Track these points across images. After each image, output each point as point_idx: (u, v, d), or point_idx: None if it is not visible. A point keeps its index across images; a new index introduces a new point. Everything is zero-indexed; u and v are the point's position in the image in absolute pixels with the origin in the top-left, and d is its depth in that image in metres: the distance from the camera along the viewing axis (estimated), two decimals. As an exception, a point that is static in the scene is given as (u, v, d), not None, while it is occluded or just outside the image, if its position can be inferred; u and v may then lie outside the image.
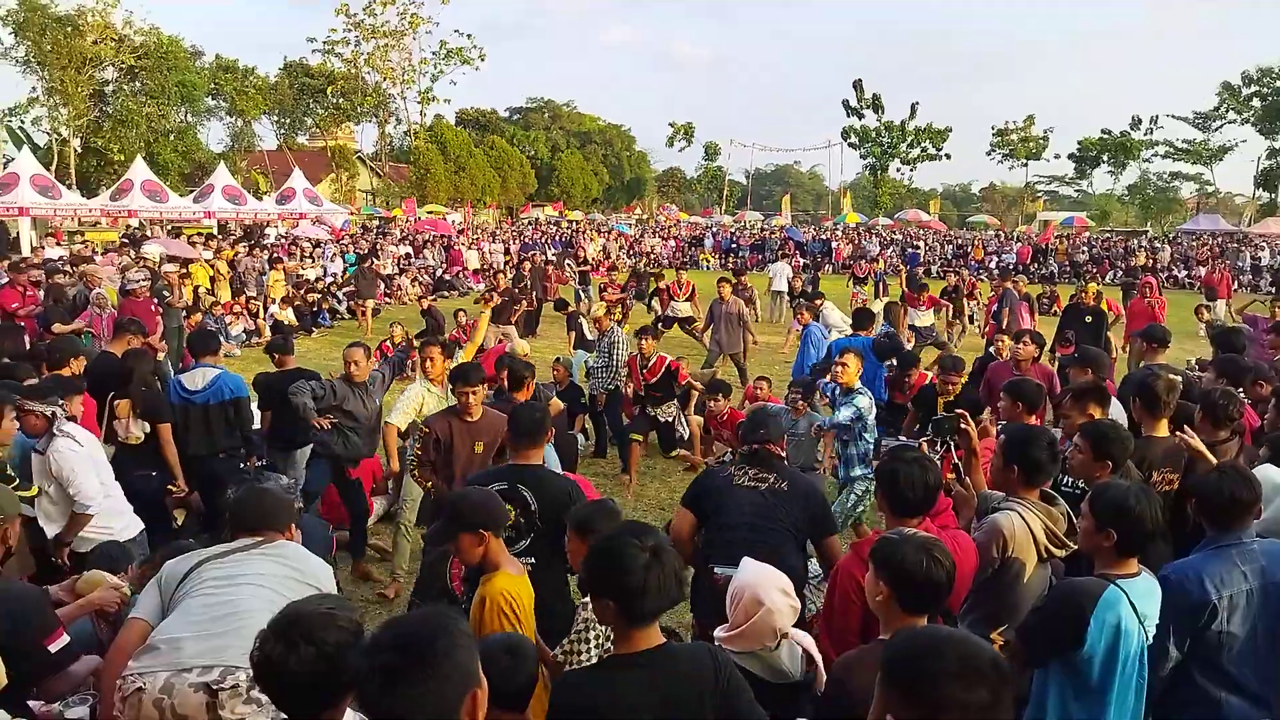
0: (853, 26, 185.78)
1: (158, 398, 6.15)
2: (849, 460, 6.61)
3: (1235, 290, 22.54)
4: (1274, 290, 27.34)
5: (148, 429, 5.84)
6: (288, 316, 17.90)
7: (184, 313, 13.08)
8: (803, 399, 7.76)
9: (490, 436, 5.27)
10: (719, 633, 2.90)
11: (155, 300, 11.39)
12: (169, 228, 27.42)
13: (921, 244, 38.89)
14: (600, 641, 3.17)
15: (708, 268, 36.98)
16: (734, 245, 40.78)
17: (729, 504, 3.85)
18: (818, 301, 12.80)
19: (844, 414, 6.46)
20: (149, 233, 25.32)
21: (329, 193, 45.89)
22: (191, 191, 31.06)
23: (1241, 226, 44.10)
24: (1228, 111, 55.51)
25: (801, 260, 33.00)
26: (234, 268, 19.37)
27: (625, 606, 2.31)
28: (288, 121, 53.82)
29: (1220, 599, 2.96)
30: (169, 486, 5.88)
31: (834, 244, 39.57)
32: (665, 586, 2.31)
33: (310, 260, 23.82)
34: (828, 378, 7.29)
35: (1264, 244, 37.21)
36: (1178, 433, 4.22)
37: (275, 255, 21.69)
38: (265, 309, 17.87)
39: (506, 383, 5.90)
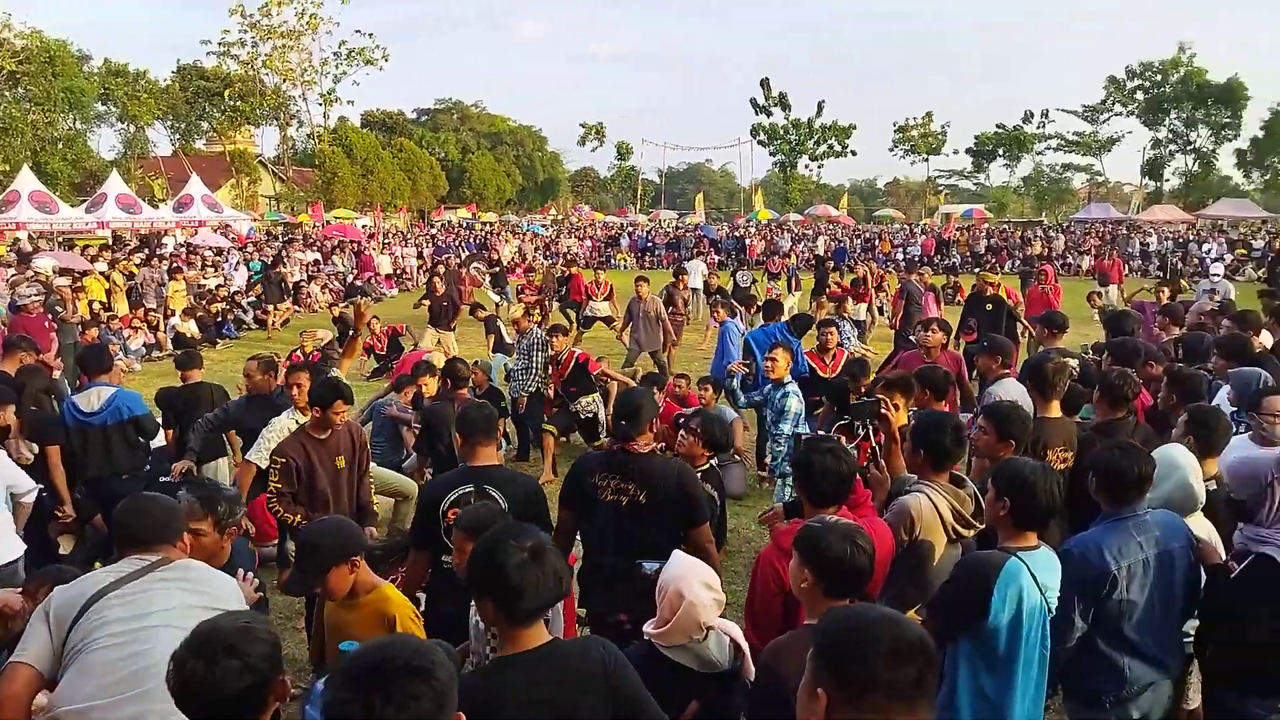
0: (760, 24, 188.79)
1: (45, 418, 5.88)
2: (777, 454, 6.78)
3: (1126, 275, 23.66)
4: (1162, 274, 28.87)
5: (36, 450, 5.58)
6: (190, 328, 17.27)
7: (79, 328, 12.51)
8: (713, 393, 7.92)
9: (349, 451, 5.08)
10: (648, 627, 2.94)
11: (49, 316, 10.88)
12: (60, 239, 26.13)
13: (824, 238, 39.65)
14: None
15: (624, 267, 37.11)
16: (650, 244, 41.03)
17: (595, 522, 3.90)
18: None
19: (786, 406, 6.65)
20: (39, 246, 24.07)
21: (229, 199, 44.36)
22: (83, 201, 29.63)
23: (1130, 214, 46.39)
24: (1114, 104, 58.44)
25: (716, 257, 33.44)
26: (131, 279, 18.60)
27: (505, 606, 2.33)
28: (183, 126, 51.86)
29: (1119, 569, 3.12)
30: (55, 511, 5.62)
31: (747, 241, 40.15)
32: (544, 586, 2.33)
33: (212, 269, 23.02)
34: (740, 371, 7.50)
35: (1151, 230, 39.30)
36: None
37: (175, 265, 20.87)
38: (166, 321, 17.20)
39: (449, 383, 5.87)
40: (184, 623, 2.48)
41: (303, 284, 24.11)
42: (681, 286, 15.10)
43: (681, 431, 4.61)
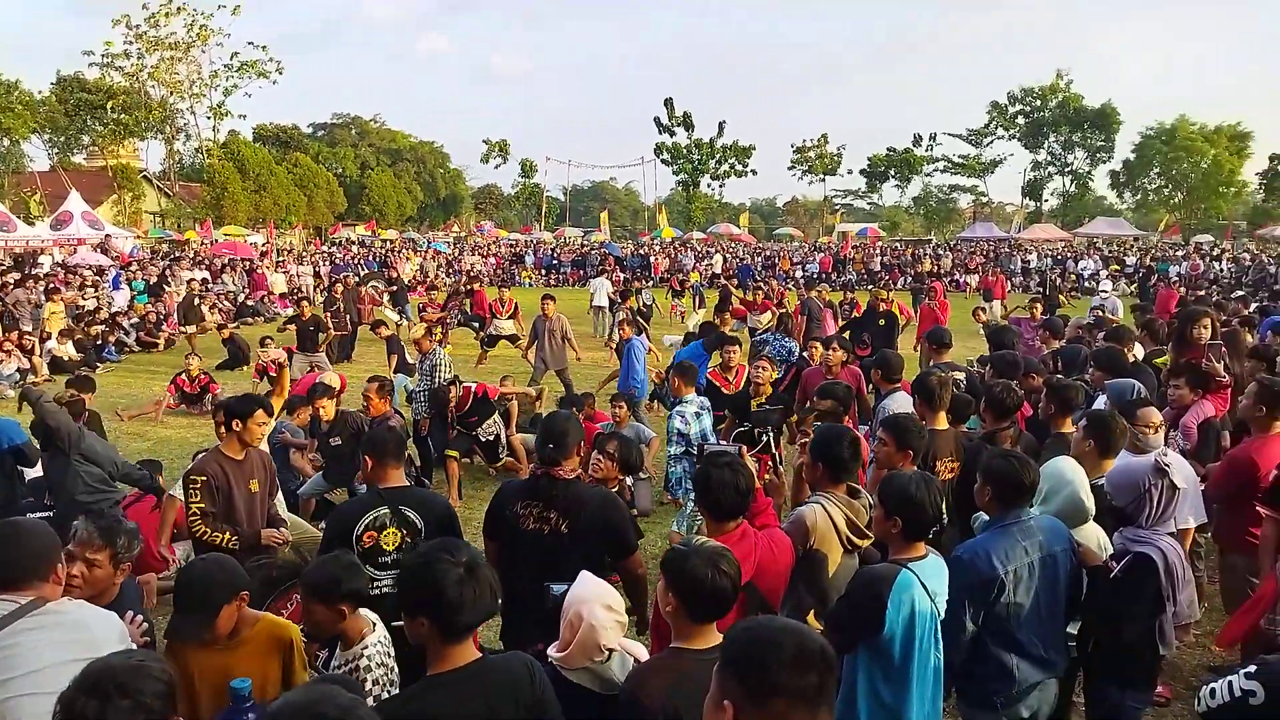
0: (663, 45, 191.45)
1: None
2: (670, 475, 6.86)
3: (1009, 291, 24.85)
4: (1041, 290, 30.41)
5: None
6: (68, 351, 16.37)
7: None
8: (626, 409, 7.95)
9: (262, 473, 4.98)
10: (551, 650, 2.93)
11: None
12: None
13: (720, 256, 40.30)
14: (381, 680, 3.04)
15: (530, 285, 36.95)
16: (555, 261, 40.98)
17: (518, 551, 3.83)
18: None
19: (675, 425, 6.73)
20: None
21: (111, 215, 42.33)
22: (-52, 218, 27.81)
23: (1012, 233, 48.74)
24: (997, 128, 61.33)
25: (621, 275, 33.62)
26: (3, 301, 17.52)
27: (442, 623, 2.34)
28: (62, 140, 49.25)
29: (1006, 573, 3.26)
30: None
31: (652, 258, 40.52)
32: (480, 599, 2.36)
33: (92, 289, 21.89)
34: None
35: (1032, 248, 41.41)
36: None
37: (52, 285, 19.77)
38: (42, 345, 16.25)
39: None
40: (54, 685, 2.29)
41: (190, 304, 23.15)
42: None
43: (596, 454, 4.60)
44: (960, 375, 6.47)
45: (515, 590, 3.81)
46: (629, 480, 5.85)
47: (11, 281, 19.32)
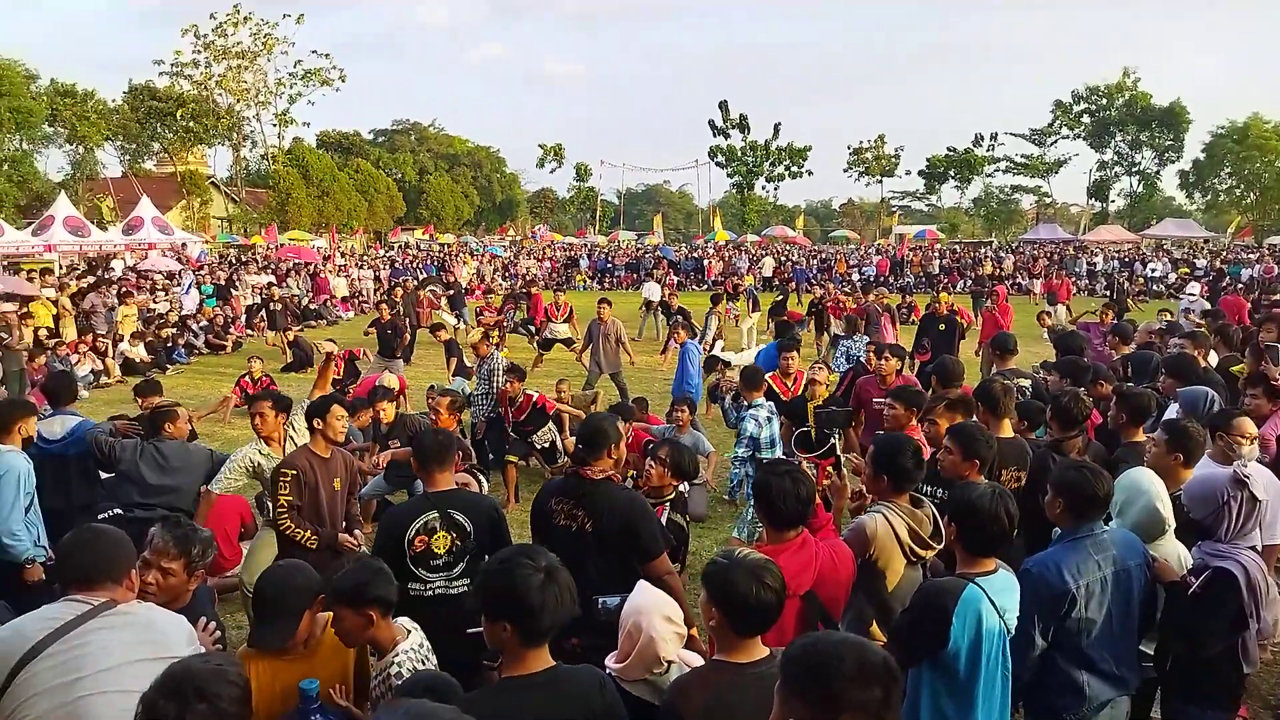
0: (717, 47, 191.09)
1: None
2: (733, 476, 6.83)
3: (1074, 295, 24.25)
4: (1109, 294, 29.61)
5: None
6: (139, 353, 16.92)
7: (25, 355, 12.19)
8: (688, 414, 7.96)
9: (345, 473, 5.07)
10: (609, 661, 2.92)
11: (-10, 343, 10.58)
12: (5, 263, 25.49)
13: (771, 259, 39.97)
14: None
15: (584, 288, 37.13)
16: (609, 265, 41.12)
17: (552, 547, 3.80)
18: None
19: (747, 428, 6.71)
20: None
21: (180, 220, 43.60)
22: (29, 224, 28.94)
23: (1077, 235, 47.57)
24: (1061, 127, 59.96)
25: (675, 278, 33.62)
26: (78, 304, 18.19)
27: (523, 627, 2.38)
28: (133, 147, 50.94)
29: (1078, 587, 3.16)
30: None
31: (706, 261, 40.42)
32: (561, 604, 2.40)
33: (163, 293, 22.60)
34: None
35: (1098, 250, 40.33)
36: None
37: (125, 289, 20.46)
38: (115, 347, 16.83)
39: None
40: (122, 683, 2.40)
41: (256, 307, 23.79)
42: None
43: (649, 460, 4.60)
44: (1026, 382, 6.33)
45: None
46: (684, 487, 5.83)
47: (86, 285, 20.03)
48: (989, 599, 2.90)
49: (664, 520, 4.28)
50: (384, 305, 14.93)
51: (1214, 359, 7.42)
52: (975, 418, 4.88)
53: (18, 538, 4.84)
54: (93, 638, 2.52)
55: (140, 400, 7.00)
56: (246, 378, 13.25)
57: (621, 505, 3.81)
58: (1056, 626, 3.19)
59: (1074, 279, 30.64)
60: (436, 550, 3.91)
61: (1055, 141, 60.75)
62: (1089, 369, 6.40)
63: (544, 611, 2.36)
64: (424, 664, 3.08)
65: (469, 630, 3.21)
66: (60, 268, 24.88)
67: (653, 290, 21.38)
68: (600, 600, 3.44)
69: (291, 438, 5.43)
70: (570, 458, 3.96)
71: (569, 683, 2.47)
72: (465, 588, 3.83)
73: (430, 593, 3.86)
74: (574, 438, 4.33)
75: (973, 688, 2.88)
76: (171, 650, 2.56)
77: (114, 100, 47.64)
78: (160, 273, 25.43)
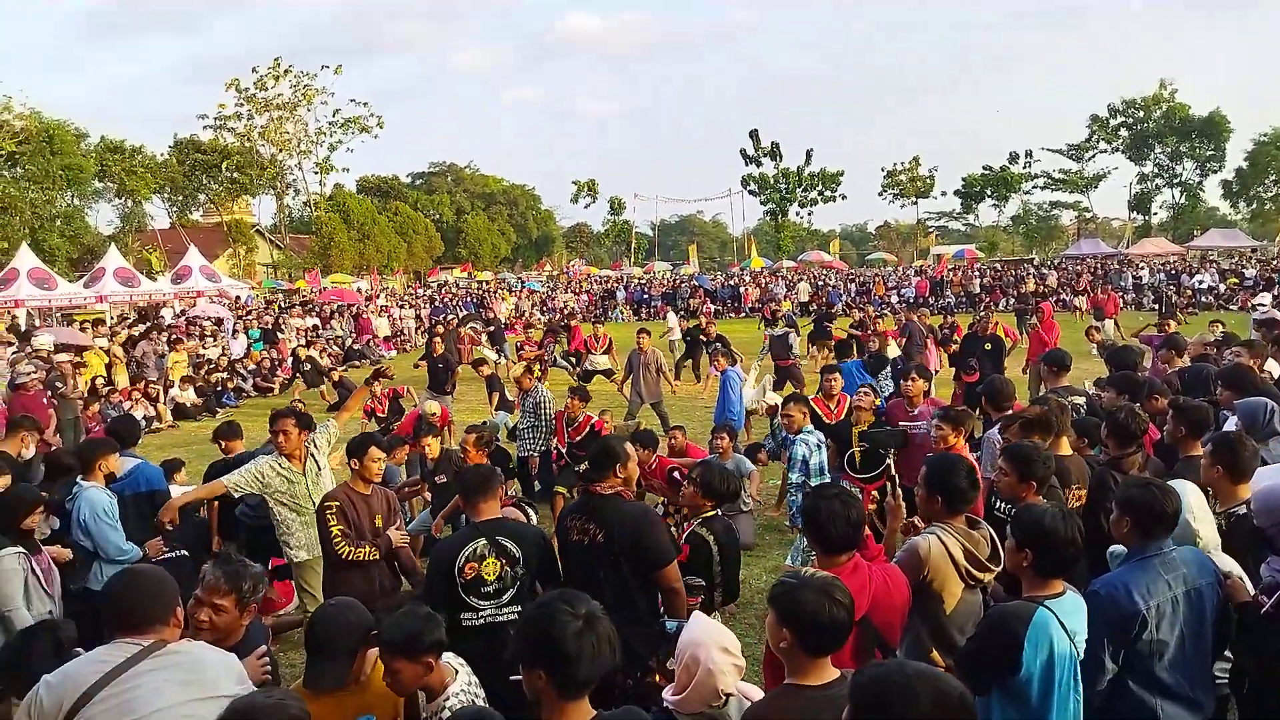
0: (746, 77, 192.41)
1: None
2: (790, 504, 6.76)
3: (1121, 309, 23.79)
4: (1157, 306, 29.00)
5: (56, 524, 5.52)
6: (189, 397, 17.26)
7: (80, 404, 12.50)
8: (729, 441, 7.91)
9: (384, 509, 5.15)
10: (666, 694, 2.87)
11: (48, 392, 10.87)
12: (60, 315, 26.24)
13: (806, 284, 39.76)
14: None
15: (622, 320, 37.26)
16: (645, 296, 41.27)
17: (569, 563, 4.06)
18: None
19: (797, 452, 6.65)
20: (38, 322, 24.16)
21: (227, 268, 44.68)
22: (81, 277, 29.82)
23: (1120, 249, 46.77)
24: (1098, 142, 59.29)
25: (711, 306, 33.62)
26: (130, 352, 18.63)
27: (558, 676, 2.27)
28: (180, 199, 52.43)
29: (1149, 608, 3.06)
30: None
31: (742, 289, 40.38)
32: (599, 654, 2.29)
33: (211, 339, 23.10)
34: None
35: (1143, 264, 39.59)
36: None
37: (174, 336, 20.95)
38: (166, 392, 17.19)
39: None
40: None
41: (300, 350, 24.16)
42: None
43: (685, 483, 4.60)
44: (1080, 399, 6.18)
45: None
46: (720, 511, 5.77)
47: (138, 334, 20.53)
48: (1059, 622, 2.82)
49: (689, 532, 4.33)
50: (436, 339, 15.08)
51: (1272, 368, 7.21)
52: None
53: (126, 552, 5.35)
54: (144, 679, 2.54)
55: (224, 443, 7.08)
56: (371, 400, 13.46)
57: (631, 517, 3.95)
58: (1127, 650, 3.08)
59: (1120, 293, 30.04)
60: (486, 577, 3.94)
61: (1093, 156, 60.22)
62: (1144, 383, 6.24)
63: (580, 660, 2.24)
64: (478, 698, 3.05)
65: (511, 677, 3.18)
66: (111, 317, 25.55)
67: (673, 320, 21.41)
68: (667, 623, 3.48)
69: (312, 455, 5.75)
70: (581, 478, 4.05)
71: None
72: (515, 615, 3.84)
73: (481, 621, 3.90)
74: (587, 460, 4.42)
75: (1045, 715, 2.78)
76: (220, 690, 2.59)
77: (160, 154, 49.19)
78: (209, 319, 26.00)
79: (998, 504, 4.10)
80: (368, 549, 4.88)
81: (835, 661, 2.99)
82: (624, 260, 66.43)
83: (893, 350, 14.17)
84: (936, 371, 13.61)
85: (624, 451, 4.09)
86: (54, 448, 9.22)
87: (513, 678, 3.10)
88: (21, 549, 4.48)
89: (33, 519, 4.66)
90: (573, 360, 18.26)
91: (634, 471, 4.25)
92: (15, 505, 4.66)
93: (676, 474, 7.37)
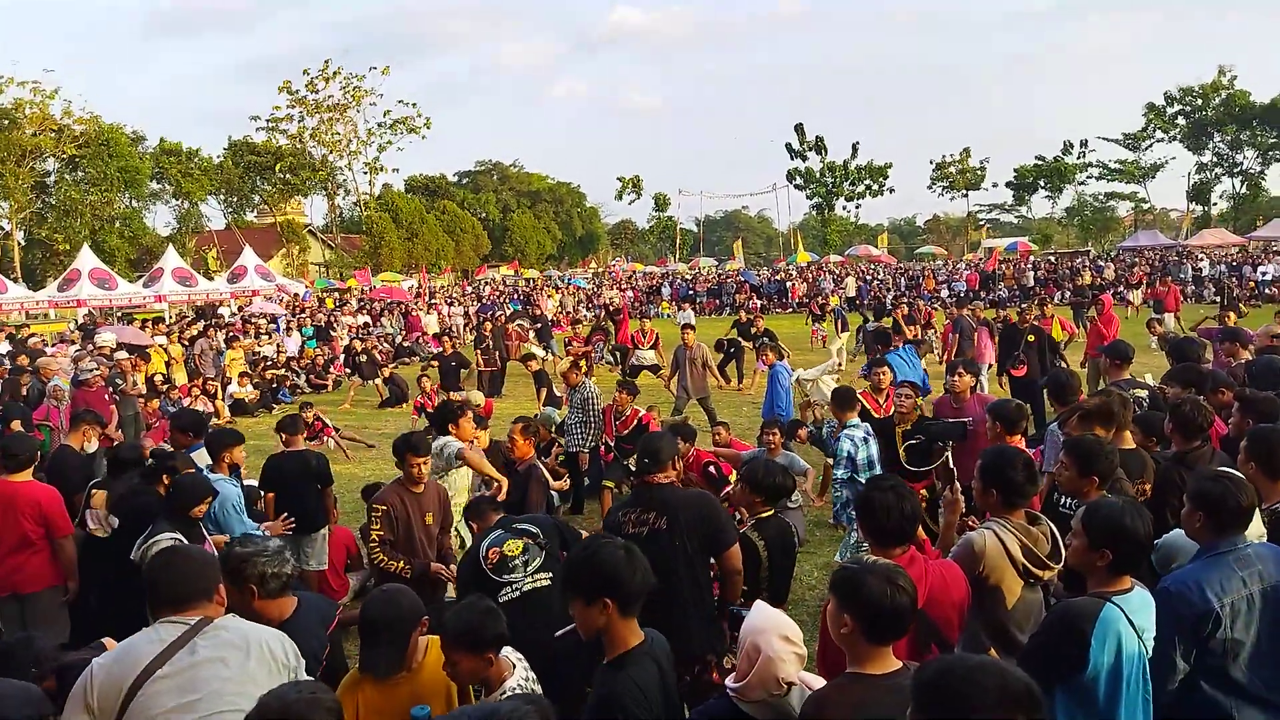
0: (792, 69, 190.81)
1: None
2: (835, 500, 6.67)
3: (1182, 302, 23.13)
4: (1218, 298, 28.16)
5: (116, 523, 5.65)
6: (247, 393, 17.62)
7: (139, 399, 12.83)
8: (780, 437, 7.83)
9: (436, 506, 5.24)
10: (729, 682, 2.86)
11: (109, 389, 11.17)
12: (120, 314, 26.99)
13: (853, 279, 39.30)
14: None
15: (668, 316, 37.22)
16: (691, 292, 41.17)
17: None
18: None
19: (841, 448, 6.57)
20: (99, 320, 24.90)
21: (281, 268, 45.59)
22: (140, 277, 30.66)
23: (1179, 240, 45.51)
24: (1155, 131, 57.77)
25: (758, 301, 33.42)
26: (188, 349, 19.08)
27: (620, 598, 2.63)
28: (235, 200, 53.64)
29: (1222, 606, 2.94)
30: None
31: (788, 284, 40.08)
32: (646, 575, 2.71)
33: (267, 337, 23.55)
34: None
35: (1202, 255, 38.45)
36: None
37: (231, 334, 21.40)
38: (224, 389, 17.57)
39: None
40: (236, 701, 2.45)
41: (353, 346, 24.53)
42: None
43: (736, 479, 4.60)
44: (1143, 392, 6.01)
45: None
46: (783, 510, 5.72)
47: (196, 332, 21.01)
48: (1127, 619, 2.73)
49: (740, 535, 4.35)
50: (448, 339, 15.37)
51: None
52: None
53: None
54: (201, 654, 2.57)
55: (284, 437, 7.10)
56: (421, 397, 13.94)
57: (693, 498, 4.15)
58: (1200, 649, 2.96)
59: (1180, 285, 29.21)
60: (510, 554, 4.11)
61: (1150, 145, 58.67)
62: (1208, 376, 6.05)
63: (634, 581, 2.63)
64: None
65: (556, 634, 3.41)
66: (170, 316, 26.20)
67: (687, 317, 21.12)
68: (733, 608, 3.65)
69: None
70: (634, 473, 4.17)
71: (660, 644, 2.81)
72: (549, 580, 4.02)
73: (517, 593, 4.03)
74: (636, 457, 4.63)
75: (1114, 715, 2.70)
76: (277, 658, 2.70)
77: (216, 156, 50.35)
78: (264, 317, 26.53)
79: (1060, 499, 3.99)
80: (401, 564, 4.93)
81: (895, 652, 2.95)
82: (669, 256, 66.38)
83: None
84: (990, 366, 13.36)
85: (674, 447, 4.21)
86: (115, 442, 9.47)
87: (557, 634, 3.37)
88: (178, 534, 4.57)
89: (201, 508, 4.83)
90: (618, 354, 18.27)
91: (682, 468, 4.34)
92: (190, 493, 4.78)
93: (712, 469, 7.32)
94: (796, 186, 63.12)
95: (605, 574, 2.63)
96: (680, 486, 4.21)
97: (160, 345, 18.60)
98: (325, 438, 12.68)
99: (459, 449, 6.24)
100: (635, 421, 8.78)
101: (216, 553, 4.66)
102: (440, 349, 15.03)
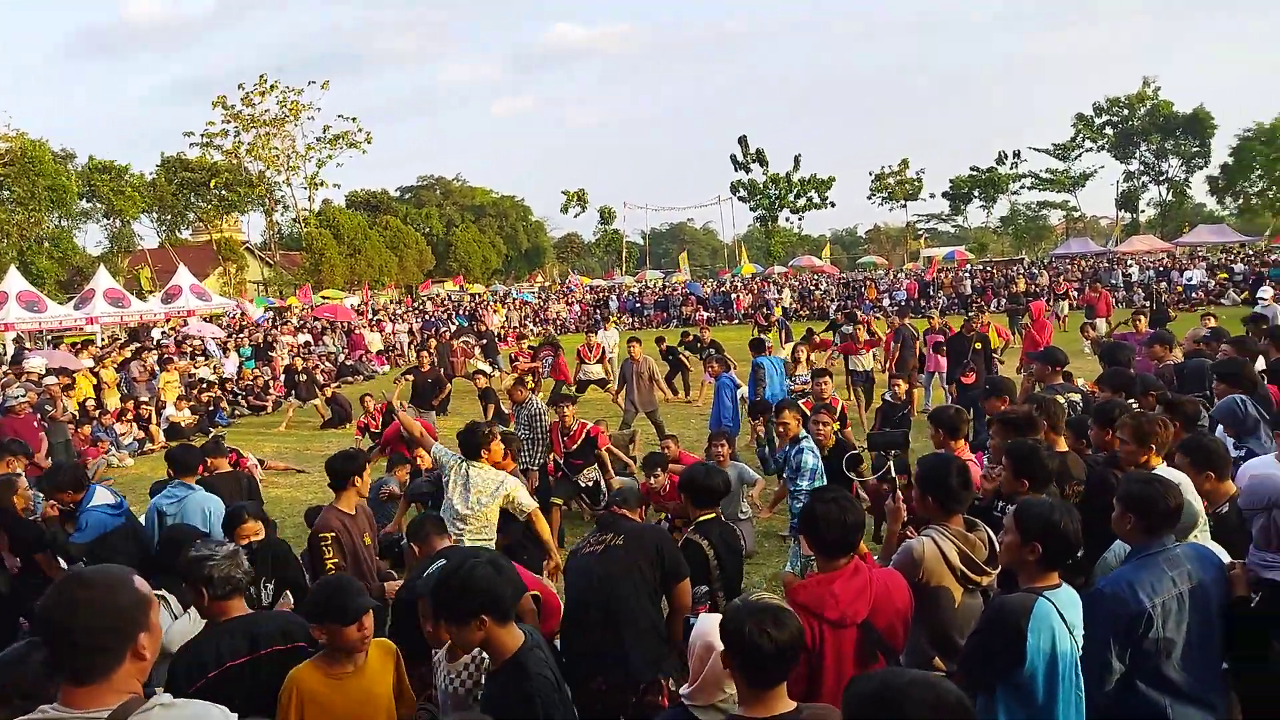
0: (734, 84, 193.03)
1: (29, 528, 5.59)
2: (795, 511, 6.68)
3: (1114, 307, 23.77)
4: (1147, 304, 29.08)
5: (18, 563, 5.42)
6: (184, 417, 17.15)
7: (70, 426, 12.42)
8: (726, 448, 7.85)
9: (370, 527, 5.19)
10: (683, 690, 2.86)
11: (38, 416, 10.79)
12: (50, 338, 26.10)
13: (788, 290, 39.72)
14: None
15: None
16: (638, 305, 41.25)
17: (571, 571, 4.24)
18: None
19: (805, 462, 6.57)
20: (28, 345, 24.02)
21: (217, 287, 44.54)
22: (70, 298, 29.70)
23: (1109, 247, 46.93)
24: (1084, 141, 59.61)
25: (704, 314, 33.64)
26: (122, 373, 18.52)
27: (498, 615, 2.78)
28: (169, 218, 52.29)
29: (1154, 606, 3.01)
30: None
31: (734, 296, 40.42)
32: (515, 586, 2.92)
33: (203, 358, 22.98)
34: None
35: (1132, 261, 39.71)
36: None
37: (165, 356, 20.82)
38: (160, 413, 17.07)
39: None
40: None
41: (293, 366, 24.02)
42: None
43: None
44: (1076, 396, 6.18)
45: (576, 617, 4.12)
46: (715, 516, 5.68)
47: (129, 354, 20.41)
48: (1059, 613, 2.79)
49: (683, 540, 4.44)
50: (424, 354, 15.03)
51: (1263, 364, 7.21)
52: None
53: None
54: None
55: (207, 460, 6.92)
56: (365, 417, 13.60)
57: (650, 530, 4.38)
58: (1134, 649, 3.02)
59: (1111, 291, 30.09)
60: None
61: (1079, 155, 60.51)
62: (1137, 380, 6.23)
63: (508, 594, 2.77)
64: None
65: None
66: (102, 339, 25.42)
67: (608, 338, 20.35)
68: (687, 619, 3.72)
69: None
70: (606, 504, 4.30)
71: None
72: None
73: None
74: (617, 492, 4.89)
75: (1052, 712, 2.74)
76: None
77: (148, 173, 49.06)
78: (199, 338, 25.87)
79: (996, 504, 4.08)
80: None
81: (838, 668, 2.96)
82: (616, 270, 66.45)
83: (865, 362, 13.89)
84: (939, 373, 13.57)
85: (639, 498, 4.57)
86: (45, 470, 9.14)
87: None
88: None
89: (248, 527, 4.98)
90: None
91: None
92: (234, 518, 5.03)
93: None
94: (740, 199, 63.78)
95: (478, 594, 2.71)
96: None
97: (88, 368, 18.03)
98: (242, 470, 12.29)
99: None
100: (583, 435, 8.72)
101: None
102: (417, 364, 14.49)
